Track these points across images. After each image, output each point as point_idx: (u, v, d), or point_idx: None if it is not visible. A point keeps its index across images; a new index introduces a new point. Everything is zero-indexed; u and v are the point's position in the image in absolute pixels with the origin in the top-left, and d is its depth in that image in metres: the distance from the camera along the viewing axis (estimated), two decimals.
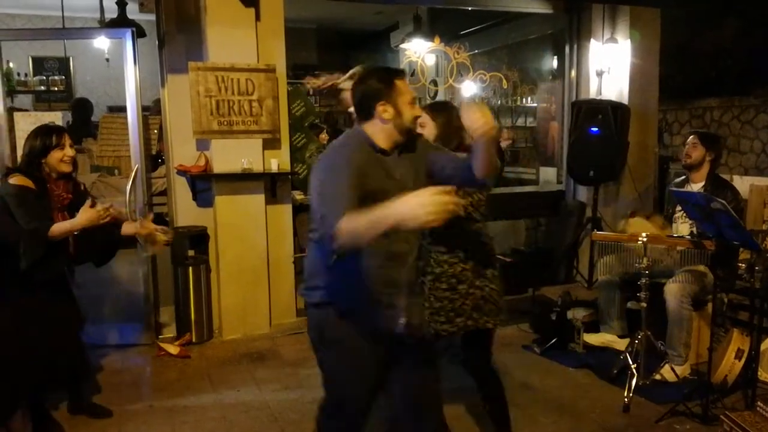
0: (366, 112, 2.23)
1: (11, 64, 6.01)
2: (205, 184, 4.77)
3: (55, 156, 3.05)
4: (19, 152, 4.22)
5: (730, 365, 3.55)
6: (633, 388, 3.58)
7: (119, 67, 4.60)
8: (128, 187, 4.41)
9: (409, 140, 2.30)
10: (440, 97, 6.39)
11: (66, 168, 3.10)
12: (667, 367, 3.83)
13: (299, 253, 4.93)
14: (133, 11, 5.76)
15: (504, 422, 3.00)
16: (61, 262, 3.10)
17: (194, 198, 4.82)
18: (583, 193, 5.75)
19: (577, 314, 4.42)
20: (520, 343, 4.58)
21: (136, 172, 4.47)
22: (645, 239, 3.60)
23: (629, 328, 4.37)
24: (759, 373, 3.62)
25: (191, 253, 4.70)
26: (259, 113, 4.62)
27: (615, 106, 5.19)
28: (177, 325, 4.67)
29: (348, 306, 2.23)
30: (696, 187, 4.03)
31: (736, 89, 6.37)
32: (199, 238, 4.74)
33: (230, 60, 4.53)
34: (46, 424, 3.27)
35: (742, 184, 5.05)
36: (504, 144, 6.87)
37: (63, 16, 5.49)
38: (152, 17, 4.94)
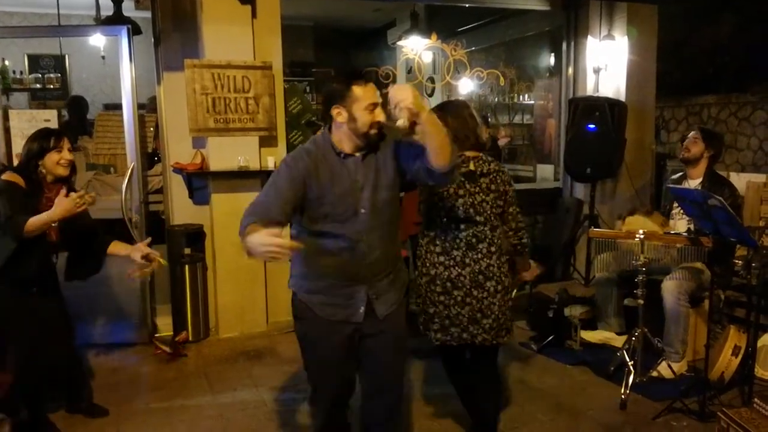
0: (324, 115, 2.31)
1: (7, 62, 5.99)
2: (201, 182, 4.75)
3: (51, 158, 3.03)
4: (15, 150, 4.22)
5: (726, 362, 3.55)
6: (630, 385, 3.58)
7: (115, 65, 4.58)
8: (124, 185, 4.42)
9: (376, 144, 2.30)
10: (437, 95, 6.38)
11: (62, 171, 3.07)
12: (664, 364, 3.84)
13: None
14: (128, 8, 5.74)
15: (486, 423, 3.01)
16: (36, 261, 3.03)
17: (190, 196, 4.81)
18: (580, 190, 5.74)
19: (575, 311, 4.42)
20: (517, 340, 4.56)
21: (132, 170, 4.46)
22: (642, 236, 3.61)
23: (626, 325, 4.38)
24: (756, 370, 3.62)
25: (188, 251, 4.67)
26: (256, 111, 4.61)
27: (612, 103, 5.18)
28: (174, 323, 4.66)
29: (308, 294, 2.43)
30: (693, 183, 4.02)
31: (733, 86, 6.38)
32: (195, 236, 4.72)
33: (226, 57, 4.51)
34: (45, 426, 3.25)
35: (739, 180, 5.06)
36: (502, 142, 6.89)
37: (59, 14, 5.47)
38: (148, 14, 4.91)
